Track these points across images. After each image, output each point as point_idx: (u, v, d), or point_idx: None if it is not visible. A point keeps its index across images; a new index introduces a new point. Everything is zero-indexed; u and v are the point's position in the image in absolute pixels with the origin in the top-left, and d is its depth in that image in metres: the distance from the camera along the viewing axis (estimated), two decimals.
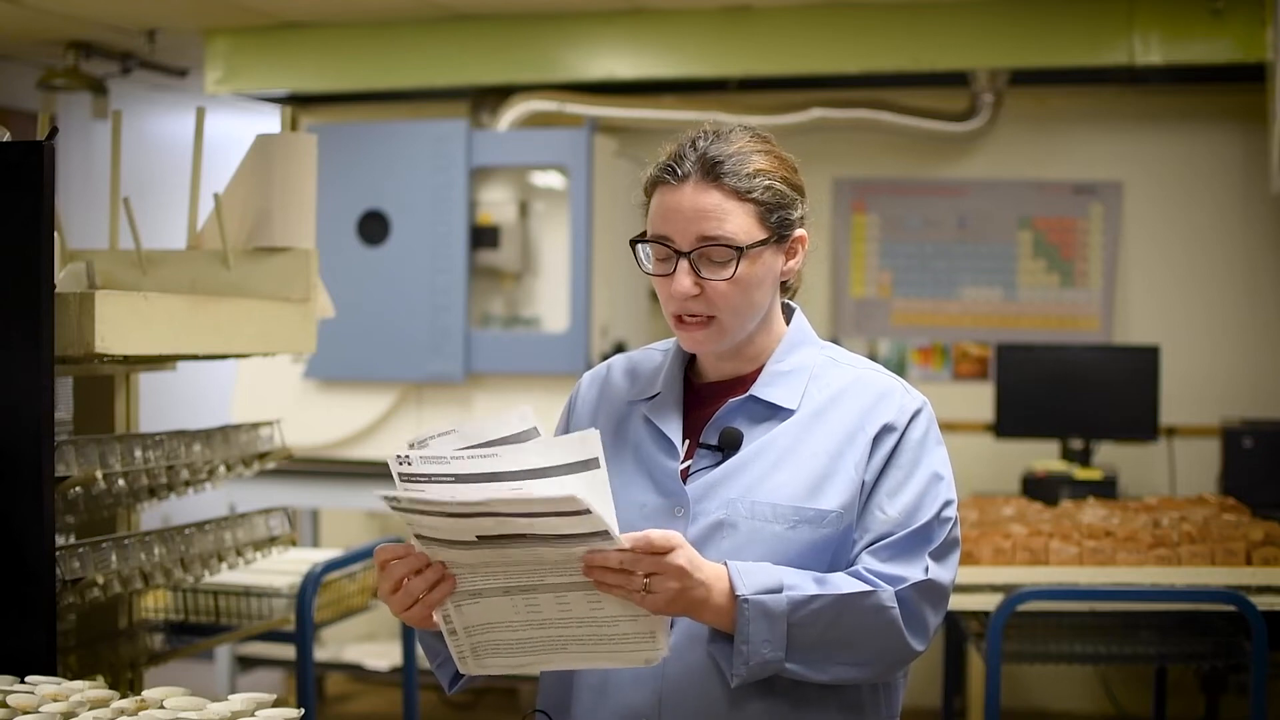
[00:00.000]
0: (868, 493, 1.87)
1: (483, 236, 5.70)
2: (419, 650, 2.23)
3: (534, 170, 5.95)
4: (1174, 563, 3.56)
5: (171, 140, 6.22)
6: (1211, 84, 5.74)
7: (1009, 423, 5.52)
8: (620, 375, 2.04)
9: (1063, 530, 3.66)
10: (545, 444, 1.69)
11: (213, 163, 3.23)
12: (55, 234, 2.39)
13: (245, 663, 5.51)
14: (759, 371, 1.95)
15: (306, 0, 5.49)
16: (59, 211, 2.51)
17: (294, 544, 3.35)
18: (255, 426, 3.25)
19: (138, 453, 2.79)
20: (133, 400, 3.11)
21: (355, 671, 5.81)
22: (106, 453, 2.70)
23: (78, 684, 2.02)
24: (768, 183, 1.88)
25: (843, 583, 1.81)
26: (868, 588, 1.80)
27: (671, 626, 1.78)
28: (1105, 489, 5.14)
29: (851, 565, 1.85)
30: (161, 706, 1.92)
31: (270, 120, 6.59)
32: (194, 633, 3.31)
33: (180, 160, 3.37)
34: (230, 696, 1.93)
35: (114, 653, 2.96)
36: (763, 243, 1.87)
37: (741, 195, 1.86)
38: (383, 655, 5.70)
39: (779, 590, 1.77)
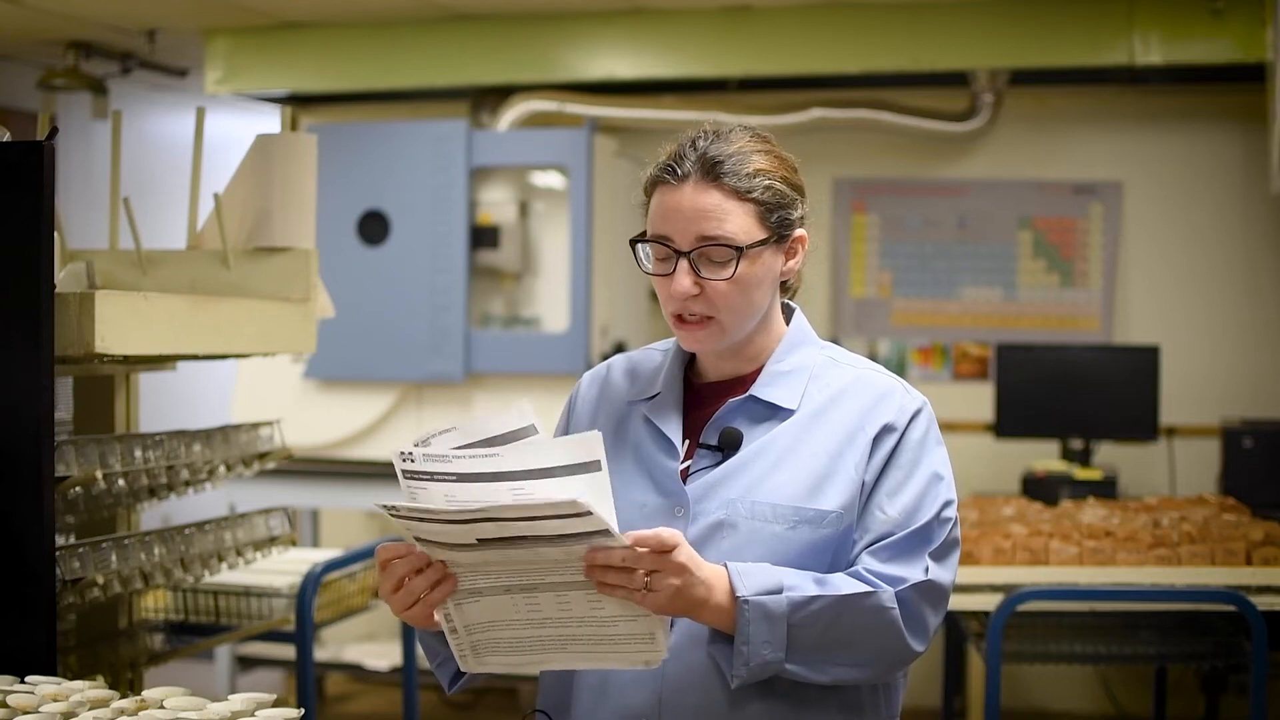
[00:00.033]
0: (868, 493, 1.87)
1: (483, 236, 5.70)
2: (419, 650, 2.23)
3: (534, 170, 5.95)
4: (1174, 563, 3.56)
5: (171, 140, 6.22)
6: (1211, 84, 5.74)
7: (1009, 423, 5.52)
8: (620, 375, 2.03)
9: (1063, 530, 3.66)
10: (547, 445, 1.69)
11: (213, 163, 3.23)
12: (55, 234, 2.39)
13: (245, 663, 5.51)
14: (759, 371, 1.95)
15: (306, 0, 5.49)
16: (59, 211, 2.51)
17: (294, 544, 3.35)
18: (255, 426, 3.25)
19: (138, 453, 2.79)
20: (133, 400, 3.11)
21: (355, 671, 5.81)
22: (106, 453, 2.70)
23: (78, 684, 2.02)
24: (768, 183, 1.88)
25: (843, 583, 1.81)
26: (868, 588, 1.80)
27: (671, 627, 1.78)
28: (1105, 489, 5.14)
29: (851, 565, 1.85)
30: (161, 706, 1.92)
31: (270, 120, 6.59)
32: (194, 633, 3.31)
33: (180, 160, 3.37)
34: (230, 696, 1.93)
35: (114, 653, 2.96)
36: (762, 243, 1.87)
37: (741, 195, 1.86)
38: (383, 655, 5.70)
39: (779, 591, 1.77)
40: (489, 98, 5.90)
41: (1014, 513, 3.96)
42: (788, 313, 2.01)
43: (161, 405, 4.54)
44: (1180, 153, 5.94)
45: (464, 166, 5.65)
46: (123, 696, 1.97)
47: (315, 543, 6.03)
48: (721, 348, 1.93)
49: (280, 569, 3.63)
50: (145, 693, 1.98)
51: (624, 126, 5.94)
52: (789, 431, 1.89)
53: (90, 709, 1.92)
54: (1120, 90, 5.87)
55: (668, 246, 1.88)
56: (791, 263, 1.94)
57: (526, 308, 5.88)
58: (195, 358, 3.06)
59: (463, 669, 1.82)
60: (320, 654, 5.56)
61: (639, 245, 1.92)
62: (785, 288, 1.99)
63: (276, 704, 1.93)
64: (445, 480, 1.66)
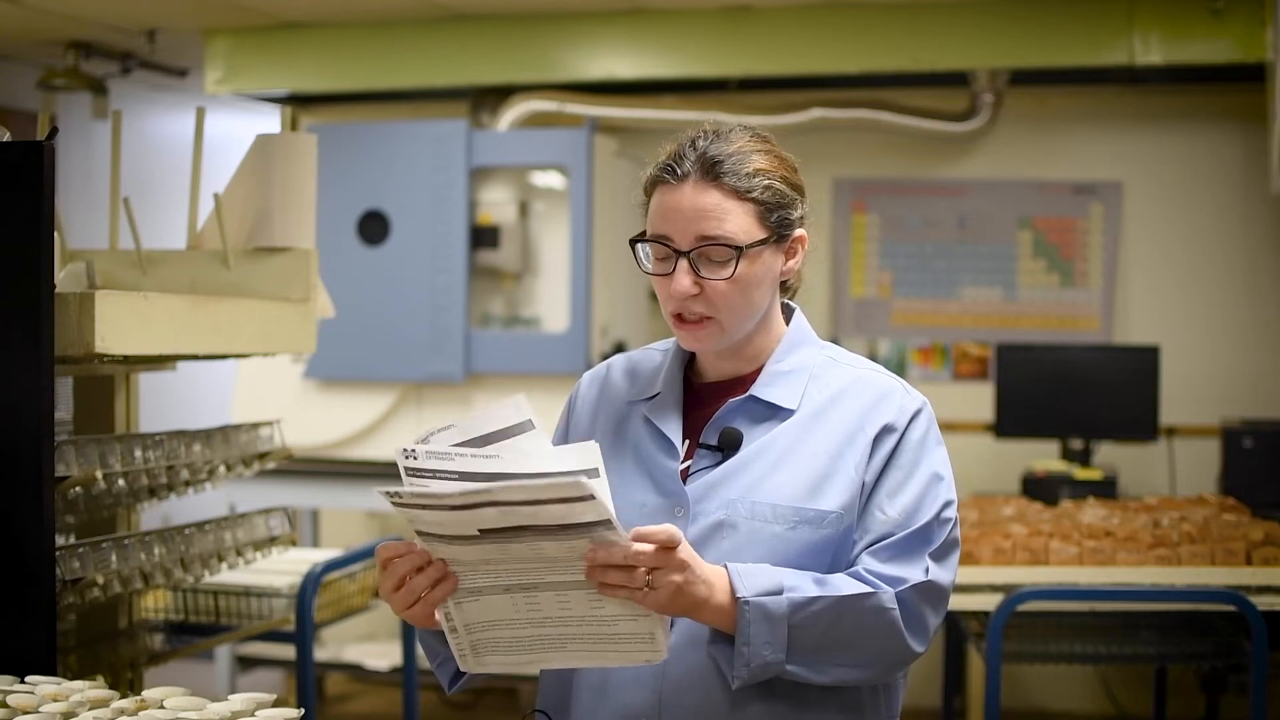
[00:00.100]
0: (868, 493, 1.87)
1: (483, 236, 5.70)
2: (419, 650, 2.23)
3: (534, 170, 5.95)
4: (1174, 563, 3.56)
5: (171, 140, 6.22)
6: (1211, 84, 5.74)
7: (1009, 423, 5.52)
8: (620, 375, 2.03)
9: (1063, 530, 3.66)
10: (547, 451, 1.70)
11: (213, 163, 3.23)
12: (55, 234, 2.39)
13: (245, 663, 5.51)
14: (759, 371, 1.95)
15: (306, 0, 5.49)
16: (59, 211, 2.51)
17: (294, 544, 3.35)
18: (255, 426, 3.25)
19: (138, 453, 2.79)
20: (133, 400, 3.11)
21: (355, 671, 5.81)
22: (106, 453, 2.70)
23: (78, 684, 2.02)
24: (767, 182, 1.88)
25: (843, 584, 1.81)
26: (868, 589, 1.80)
27: (671, 627, 1.78)
28: (1105, 489, 5.14)
29: (851, 566, 1.85)
30: (161, 706, 1.92)
31: (270, 120, 6.59)
32: (194, 633, 3.31)
33: (180, 160, 3.37)
34: (230, 696, 1.93)
35: (114, 653, 2.96)
36: (762, 242, 1.87)
37: (741, 195, 1.86)
38: (383, 655, 5.70)
39: (779, 592, 1.77)
40: (489, 98, 5.90)
41: (1014, 513, 3.96)
42: (787, 313, 2.01)
43: (161, 405, 4.54)
44: (1180, 153, 5.94)
45: (464, 166, 5.65)
46: (123, 696, 1.97)
47: (315, 543, 6.03)
48: (721, 347, 1.93)
49: (280, 569, 3.63)
50: (145, 693, 1.98)
51: (624, 126, 5.94)
52: (789, 432, 1.89)
53: (90, 709, 1.92)
54: (1120, 90, 5.87)
55: (667, 246, 1.87)
56: (791, 263, 1.94)
57: (526, 308, 5.89)
58: (195, 358, 3.06)
59: (462, 669, 1.82)
60: (320, 654, 5.56)
61: (639, 245, 1.92)
62: (785, 288, 1.99)
63: (276, 704, 1.93)
64: (447, 478, 1.66)
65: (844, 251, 6.17)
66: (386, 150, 5.73)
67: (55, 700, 1.94)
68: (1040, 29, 5.37)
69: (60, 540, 2.57)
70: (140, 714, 1.89)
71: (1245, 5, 5.11)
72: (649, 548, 1.67)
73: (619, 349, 5.63)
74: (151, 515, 3.77)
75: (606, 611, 1.71)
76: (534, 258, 5.88)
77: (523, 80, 5.79)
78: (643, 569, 1.67)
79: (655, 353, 2.04)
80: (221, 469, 3.08)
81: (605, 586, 1.68)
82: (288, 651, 4.56)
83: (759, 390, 1.92)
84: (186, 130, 3.24)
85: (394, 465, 1.70)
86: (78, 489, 2.64)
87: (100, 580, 2.61)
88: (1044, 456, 5.64)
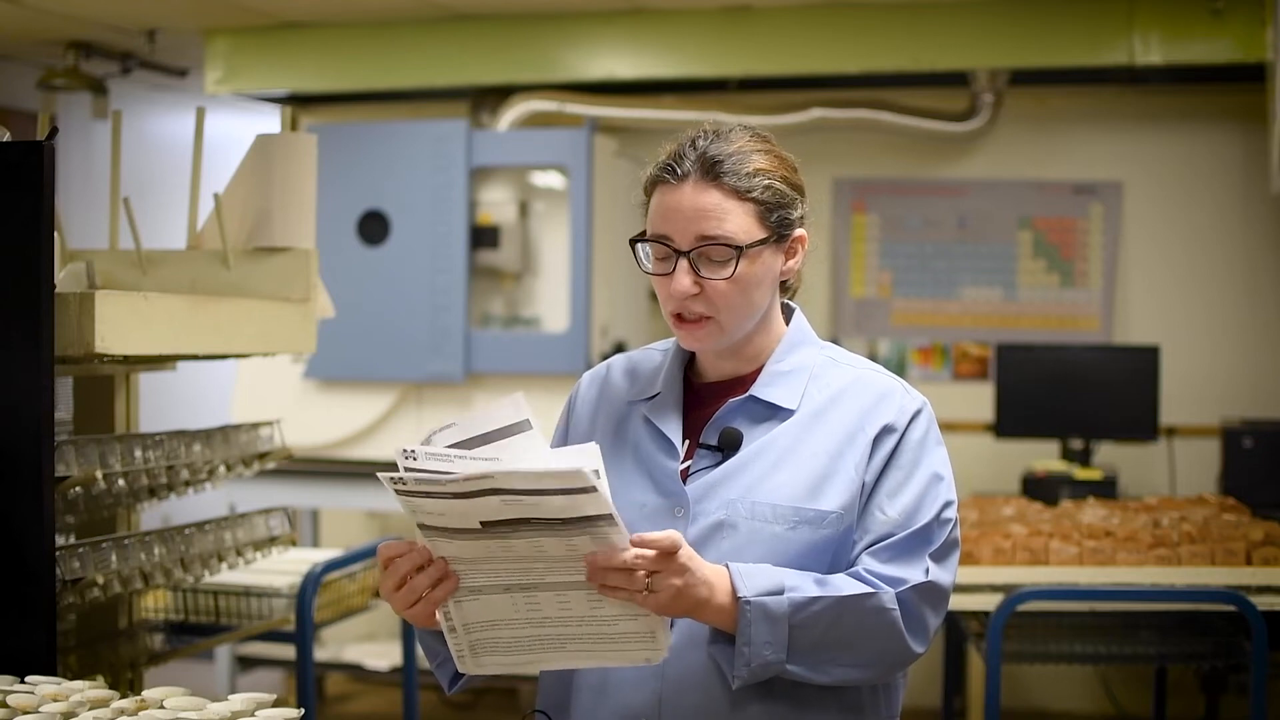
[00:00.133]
0: (868, 493, 1.87)
1: (483, 236, 5.70)
2: (419, 650, 2.23)
3: (534, 170, 5.95)
4: (1174, 563, 3.56)
5: (171, 140, 6.22)
6: (1211, 84, 5.74)
7: (1009, 423, 5.52)
8: (620, 375, 2.03)
9: (1063, 530, 3.66)
10: (545, 453, 1.70)
11: (213, 163, 3.23)
12: (55, 234, 2.39)
13: (245, 663, 5.51)
14: (759, 371, 1.95)
15: (306, 0, 5.49)
16: (59, 211, 2.51)
17: (294, 544, 3.35)
18: (255, 426, 3.25)
19: (138, 453, 2.79)
20: (133, 400, 3.11)
21: (355, 671, 5.81)
22: (106, 453, 2.70)
23: (78, 684, 2.02)
24: (767, 182, 1.88)
25: (844, 584, 1.81)
26: (869, 589, 1.80)
27: (671, 627, 1.78)
28: (1105, 489, 5.14)
29: (851, 566, 1.85)
30: (161, 706, 1.92)
31: (270, 120, 6.59)
32: (194, 633, 3.31)
33: (180, 160, 3.37)
34: (230, 696, 1.93)
35: (114, 653, 2.96)
36: (762, 242, 1.87)
37: (741, 195, 1.86)
38: (383, 655, 5.70)
39: (780, 592, 1.77)
40: (489, 98, 5.90)
41: (1014, 513, 3.96)
42: (787, 313, 2.01)
43: (161, 405, 4.54)
44: (1180, 153, 5.94)
45: (464, 166, 5.65)
46: (123, 696, 1.97)
47: (315, 543, 6.03)
48: (721, 347, 1.93)
49: (280, 569, 3.63)
50: (145, 693, 1.98)
51: (624, 126, 5.94)
52: (789, 432, 1.89)
53: (90, 709, 1.92)
54: (1120, 90, 5.87)
55: (667, 246, 1.87)
56: (791, 262, 1.94)
57: (526, 308, 5.89)
58: (195, 358, 3.06)
59: (460, 670, 1.82)
60: (320, 654, 5.56)
61: (639, 245, 1.92)
62: (785, 288, 1.99)
63: (276, 704, 1.93)
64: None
65: (844, 251, 6.17)
66: (386, 150, 5.73)
67: (55, 700, 1.94)
68: (1040, 29, 5.37)
69: (60, 540, 2.57)
70: (140, 714, 1.89)
71: (1245, 5, 5.11)
72: (649, 552, 1.67)
73: (619, 349, 5.63)
74: (151, 515, 3.77)
75: (607, 611, 1.71)
76: (534, 258, 5.88)
77: (523, 80, 5.79)
78: (642, 572, 1.67)
79: (655, 353, 2.04)
80: (221, 469, 3.08)
81: (605, 588, 1.68)
82: (288, 651, 4.56)
83: (759, 390, 1.92)
84: (186, 130, 3.24)
85: (394, 466, 1.70)
86: (78, 489, 2.64)
87: (100, 580, 2.61)
88: (1044, 456, 5.64)
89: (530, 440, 1.74)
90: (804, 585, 1.79)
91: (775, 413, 1.91)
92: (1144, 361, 5.47)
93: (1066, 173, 6.03)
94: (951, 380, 6.12)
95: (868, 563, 1.84)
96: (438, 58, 5.80)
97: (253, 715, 1.88)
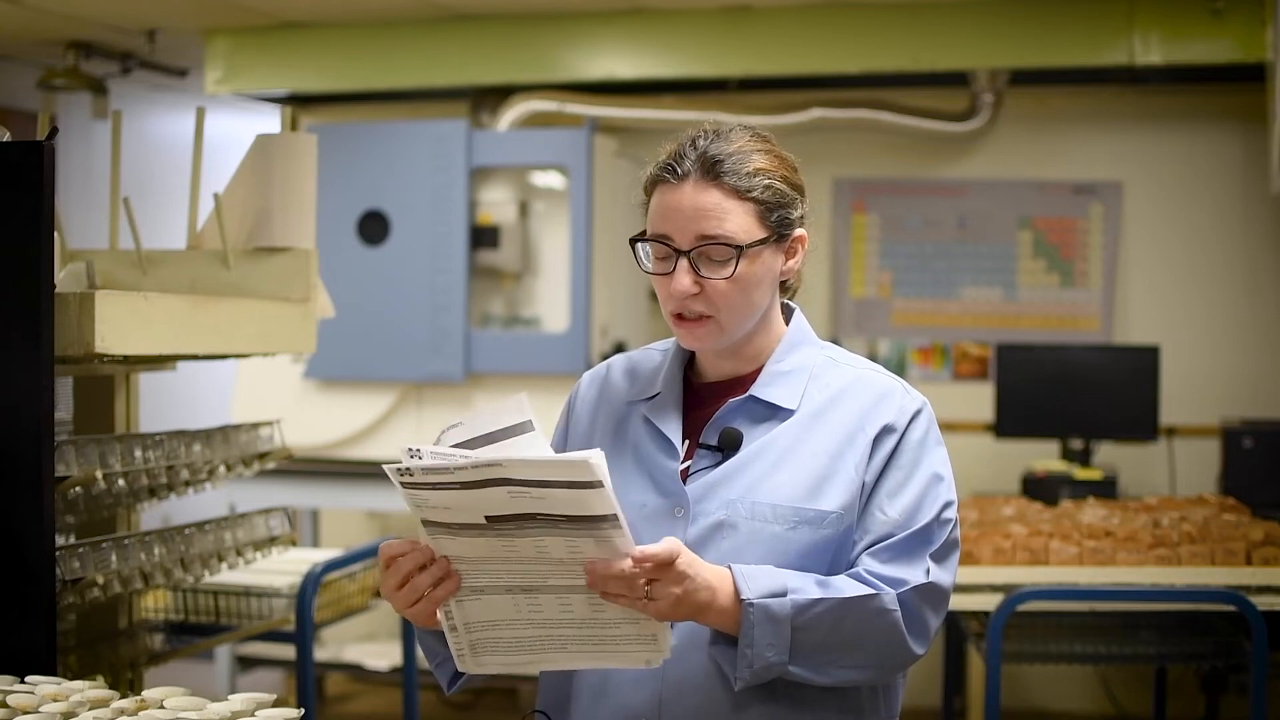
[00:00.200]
0: (868, 494, 1.87)
1: (483, 236, 5.70)
2: (419, 650, 2.23)
3: (534, 170, 5.95)
4: (1174, 563, 3.56)
5: (171, 140, 6.22)
6: (1211, 84, 5.74)
7: (1009, 423, 5.52)
8: (620, 375, 2.03)
9: (1063, 530, 3.66)
10: (549, 460, 1.70)
11: (213, 163, 3.23)
12: (55, 234, 2.39)
13: (245, 663, 5.51)
14: (759, 371, 1.95)
15: (306, 0, 5.49)
16: (59, 211, 2.51)
17: (294, 544, 3.35)
18: (255, 426, 3.25)
19: (138, 453, 2.79)
20: (133, 400, 3.11)
21: (355, 671, 5.81)
22: (106, 453, 2.70)
23: (78, 684, 2.02)
24: (767, 182, 1.88)
25: (845, 585, 1.81)
26: (870, 590, 1.80)
27: (672, 628, 1.78)
28: (1105, 489, 5.14)
29: (851, 566, 1.85)
30: (161, 706, 1.92)
31: (270, 120, 6.59)
32: (194, 633, 3.31)
33: (180, 160, 3.37)
34: (230, 696, 1.93)
35: (114, 653, 2.96)
36: (762, 242, 1.87)
37: (741, 194, 1.86)
38: (383, 655, 5.70)
39: (783, 594, 1.77)
40: (489, 98, 5.90)
41: (1014, 513, 3.96)
42: (787, 313, 2.01)
43: (161, 405, 4.54)
44: (1180, 153, 5.94)
45: (464, 166, 5.65)
46: (123, 696, 1.97)
47: (315, 543, 6.03)
48: (720, 347, 1.93)
49: (280, 569, 3.63)
50: (145, 693, 1.98)
51: (624, 126, 5.94)
52: (789, 432, 1.89)
53: (90, 709, 1.92)
54: (1120, 90, 5.87)
55: (667, 245, 1.87)
56: (791, 262, 1.94)
57: (526, 308, 5.89)
58: (195, 358, 3.06)
59: (460, 669, 1.82)
60: (320, 654, 5.56)
61: (639, 244, 1.92)
62: (785, 288, 1.99)
63: (276, 704, 1.93)
64: (449, 489, 1.66)
65: (844, 251, 6.17)
66: (386, 150, 5.73)
67: (55, 700, 1.94)
68: (1040, 29, 5.37)
69: (60, 540, 2.57)
70: (140, 714, 1.89)
71: (1245, 5, 5.11)
72: (647, 562, 1.67)
73: (619, 349, 5.63)
74: (151, 515, 3.77)
75: (608, 614, 1.71)
76: (534, 258, 5.88)
77: (523, 80, 5.79)
78: (642, 581, 1.67)
79: (655, 353, 2.04)
80: (221, 469, 3.08)
81: (608, 595, 1.68)
82: (288, 651, 4.56)
83: (759, 390, 1.92)
84: (186, 130, 3.24)
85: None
86: (78, 489, 2.64)
87: (100, 580, 2.61)
88: (1044, 456, 5.64)
89: (532, 441, 1.74)
90: (806, 587, 1.79)
91: (775, 413, 1.91)
92: (1144, 361, 5.47)
93: (1066, 173, 6.03)
94: (951, 380, 6.12)
95: (868, 563, 1.83)
96: (438, 58, 5.81)
97: (253, 715, 1.88)
